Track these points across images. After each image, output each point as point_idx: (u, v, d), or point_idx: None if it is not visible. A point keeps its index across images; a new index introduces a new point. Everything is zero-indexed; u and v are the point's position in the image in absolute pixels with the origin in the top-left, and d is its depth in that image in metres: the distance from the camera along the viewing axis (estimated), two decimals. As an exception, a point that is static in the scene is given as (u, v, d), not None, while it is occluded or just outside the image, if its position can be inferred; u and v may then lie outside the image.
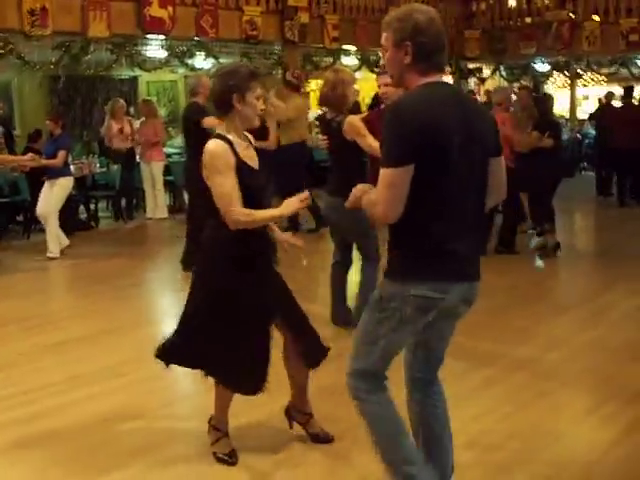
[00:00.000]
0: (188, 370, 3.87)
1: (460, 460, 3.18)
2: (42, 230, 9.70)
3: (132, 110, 13.71)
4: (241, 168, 3.33)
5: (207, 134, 6.52)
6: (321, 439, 3.75)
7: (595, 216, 11.94)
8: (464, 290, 2.79)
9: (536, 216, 8.48)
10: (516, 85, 15.49)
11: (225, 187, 3.27)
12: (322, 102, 5.40)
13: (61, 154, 8.69)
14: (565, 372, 4.72)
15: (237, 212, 3.27)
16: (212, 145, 3.33)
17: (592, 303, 6.34)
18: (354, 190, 2.83)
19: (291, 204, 3.37)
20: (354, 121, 5.02)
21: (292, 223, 9.06)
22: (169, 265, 8.48)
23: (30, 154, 8.39)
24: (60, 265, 8.51)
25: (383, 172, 2.59)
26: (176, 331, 3.59)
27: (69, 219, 9.70)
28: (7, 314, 6.33)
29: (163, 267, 8.59)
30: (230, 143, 3.34)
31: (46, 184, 8.92)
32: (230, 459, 3.58)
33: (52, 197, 8.80)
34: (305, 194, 3.37)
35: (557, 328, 5.65)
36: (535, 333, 5.49)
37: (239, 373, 3.45)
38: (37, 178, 9.81)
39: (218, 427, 3.66)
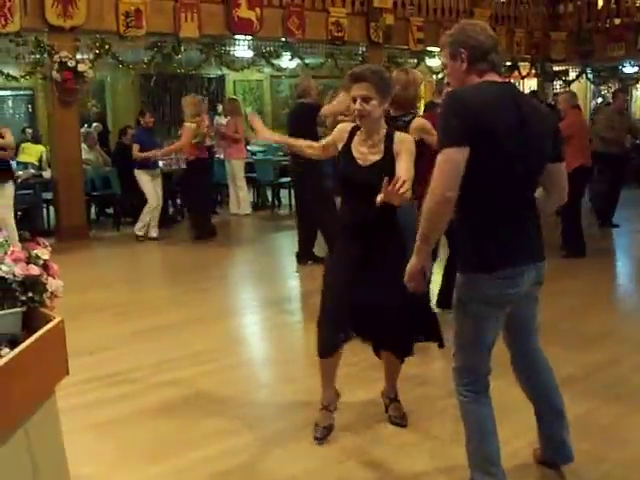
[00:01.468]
0: (269, 360, 4.08)
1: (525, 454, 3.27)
2: (131, 223, 10.19)
3: (219, 108, 14.02)
4: (343, 154, 3.70)
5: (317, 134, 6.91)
6: (397, 422, 3.94)
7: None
8: (532, 275, 2.94)
9: None
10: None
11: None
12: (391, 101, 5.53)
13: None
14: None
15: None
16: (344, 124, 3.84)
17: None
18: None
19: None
20: (424, 121, 5.12)
21: None
22: (248, 260, 8.77)
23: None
24: (150, 256, 8.91)
25: (440, 154, 2.74)
26: None
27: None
28: (100, 301, 6.68)
29: (245, 261, 8.87)
30: (356, 130, 3.71)
31: (149, 176, 9.75)
32: (318, 432, 3.80)
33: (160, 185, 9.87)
34: None
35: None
36: (610, 338, 5.50)
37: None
38: (128, 173, 10.30)
39: (322, 402, 3.89)
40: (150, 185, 9.75)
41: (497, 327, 2.99)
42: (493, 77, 2.88)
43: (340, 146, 3.68)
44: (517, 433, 3.63)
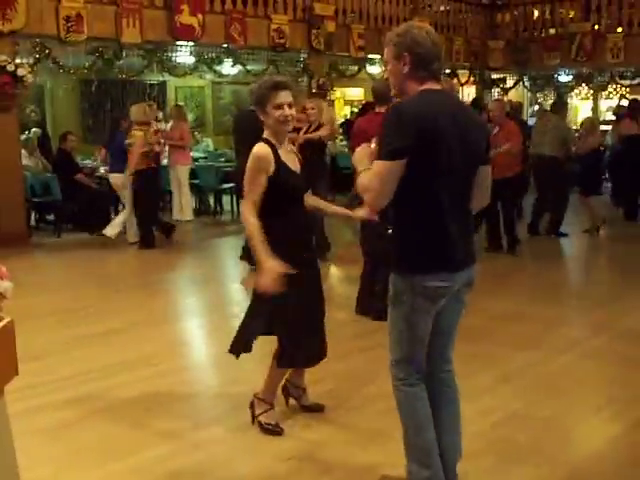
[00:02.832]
0: (215, 363, 4.15)
1: (469, 449, 3.39)
2: (72, 230, 10.11)
3: (160, 114, 13.95)
4: (281, 168, 3.66)
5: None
6: (313, 409, 4.15)
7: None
8: (465, 276, 3.07)
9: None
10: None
11: (255, 182, 3.62)
12: None
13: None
14: (575, 373, 4.92)
15: (247, 210, 3.63)
16: (258, 147, 3.68)
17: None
18: (360, 149, 3.14)
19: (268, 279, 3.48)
20: None
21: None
22: (194, 264, 8.78)
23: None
24: (88, 263, 8.82)
25: (376, 164, 2.87)
26: None
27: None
28: (43, 307, 6.61)
29: (189, 266, 8.88)
30: (272, 145, 3.69)
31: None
32: (276, 428, 3.92)
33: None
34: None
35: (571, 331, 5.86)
36: (548, 335, 5.69)
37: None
38: (68, 179, 10.22)
39: (267, 399, 3.99)
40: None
41: (428, 322, 3.07)
42: (432, 85, 2.99)
43: (272, 168, 3.64)
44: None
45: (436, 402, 3.20)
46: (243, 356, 3.96)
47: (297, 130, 7.63)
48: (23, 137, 10.93)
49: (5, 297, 2.64)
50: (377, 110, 5.99)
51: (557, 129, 9.77)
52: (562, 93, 17.83)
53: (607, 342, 5.53)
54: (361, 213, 3.70)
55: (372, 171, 2.89)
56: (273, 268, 3.45)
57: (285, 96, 3.68)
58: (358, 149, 3.16)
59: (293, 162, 3.80)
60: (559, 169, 9.68)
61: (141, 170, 9.39)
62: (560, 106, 10.67)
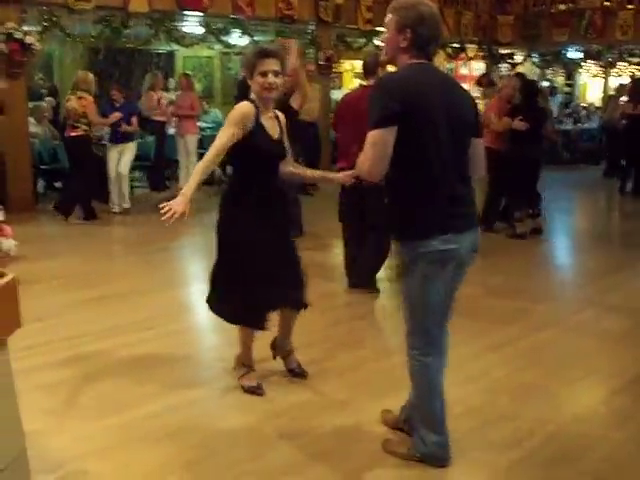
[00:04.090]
0: (212, 326, 4.31)
1: (452, 412, 3.54)
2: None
3: (171, 83, 13.99)
4: (257, 132, 3.76)
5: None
6: (297, 374, 4.28)
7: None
8: (471, 238, 3.13)
9: (512, 201, 8.71)
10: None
11: (227, 132, 3.70)
12: None
13: (134, 119, 9.84)
14: (559, 346, 5.05)
15: (204, 158, 3.70)
16: (242, 103, 3.83)
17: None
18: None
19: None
20: None
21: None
22: (197, 232, 8.90)
23: (116, 113, 9.48)
24: (96, 230, 8.97)
25: (369, 133, 2.95)
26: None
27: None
28: (46, 272, 6.75)
29: (193, 233, 9.00)
30: (257, 108, 3.80)
31: (113, 149, 9.79)
32: (258, 390, 4.08)
33: (127, 159, 9.91)
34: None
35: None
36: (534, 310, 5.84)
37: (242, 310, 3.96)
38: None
39: (245, 363, 4.16)
40: (110, 158, 9.86)
41: (441, 290, 3.12)
42: (421, 60, 3.09)
43: (250, 126, 3.74)
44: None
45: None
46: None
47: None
48: (31, 104, 11.02)
49: (9, 255, 2.79)
50: (366, 84, 6.00)
51: None
52: (570, 70, 17.85)
53: (592, 317, 5.65)
54: (340, 176, 3.88)
55: (366, 142, 2.98)
56: (186, 197, 3.45)
57: (270, 64, 3.78)
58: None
59: (273, 128, 3.90)
60: None
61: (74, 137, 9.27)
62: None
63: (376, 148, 2.93)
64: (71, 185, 9.63)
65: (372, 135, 2.95)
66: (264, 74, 3.76)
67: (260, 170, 3.87)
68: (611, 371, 4.57)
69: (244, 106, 3.78)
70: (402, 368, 3.42)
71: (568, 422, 3.84)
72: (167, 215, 3.39)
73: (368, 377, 4.36)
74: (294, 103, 7.87)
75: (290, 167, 4.06)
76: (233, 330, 4.31)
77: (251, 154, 3.80)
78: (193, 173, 3.66)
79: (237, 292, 3.92)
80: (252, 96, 3.89)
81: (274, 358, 4.37)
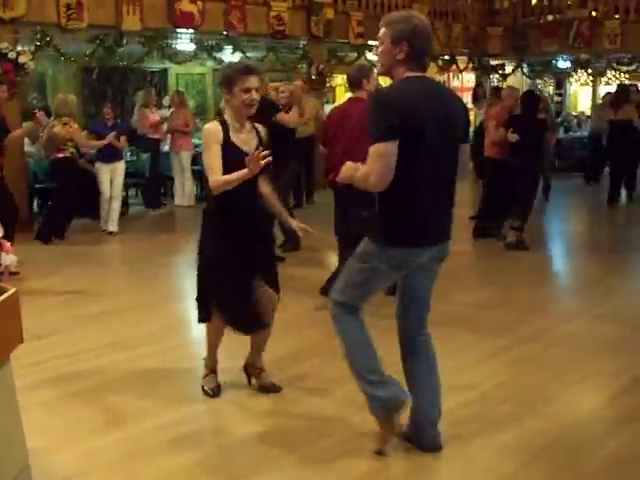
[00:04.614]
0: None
1: (456, 415, 3.56)
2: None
3: (164, 101, 14.02)
4: (228, 148, 3.84)
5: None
6: (270, 389, 4.28)
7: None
8: (435, 251, 3.31)
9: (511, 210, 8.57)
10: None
11: (209, 159, 3.83)
12: None
13: (123, 139, 9.81)
14: (559, 351, 5.08)
15: (212, 179, 3.81)
16: (208, 124, 3.97)
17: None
18: (345, 167, 3.29)
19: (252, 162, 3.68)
20: None
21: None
22: (193, 248, 8.90)
23: (110, 135, 9.45)
24: (93, 248, 8.99)
25: (373, 147, 3.03)
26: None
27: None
28: (46, 289, 6.76)
29: (188, 250, 9.01)
30: (225, 124, 3.88)
31: (104, 167, 9.75)
32: (211, 392, 4.22)
33: (119, 182, 9.90)
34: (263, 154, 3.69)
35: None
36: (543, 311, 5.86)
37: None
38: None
39: (208, 364, 4.33)
40: (103, 179, 9.84)
41: (386, 283, 3.49)
42: (417, 72, 3.18)
43: (221, 142, 3.84)
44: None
45: (415, 363, 3.47)
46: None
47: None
48: (25, 124, 11.02)
49: (11, 271, 2.81)
50: (354, 96, 5.90)
51: None
52: (560, 79, 17.97)
53: (584, 324, 5.66)
54: (295, 223, 4.10)
55: (369, 155, 3.04)
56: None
57: (253, 81, 3.87)
58: (345, 168, 3.29)
59: (247, 142, 3.94)
60: None
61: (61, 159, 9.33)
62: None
63: (382, 160, 3.01)
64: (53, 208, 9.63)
65: (377, 148, 3.01)
66: (247, 90, 3.83)
67: (239, 185, 3.85)
68: (608, 375, 4.59)
69: (211, 125, 3.94)
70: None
71: (569, 426, 3.85)
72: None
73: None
74: (292, 118, 7.94)
75: (264, 188, 4.11)
76: (233, 344, 4.35)
77: (226, 169, 3.82)
78: (227, 181, 3.79)
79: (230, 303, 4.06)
80: (225, 114, 3.96)
81: (249, 382, 4.38)
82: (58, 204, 9.47)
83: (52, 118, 9.30)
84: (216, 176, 3.81)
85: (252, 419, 3.97)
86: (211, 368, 4.33)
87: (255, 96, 3.86)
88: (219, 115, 4.06)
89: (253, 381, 4.37)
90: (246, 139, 3.96)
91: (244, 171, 3.70)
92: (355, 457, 3.52)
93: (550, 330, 5.47)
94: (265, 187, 4.11)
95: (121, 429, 3.84)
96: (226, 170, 3.82)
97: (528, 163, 8.17)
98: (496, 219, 8.75)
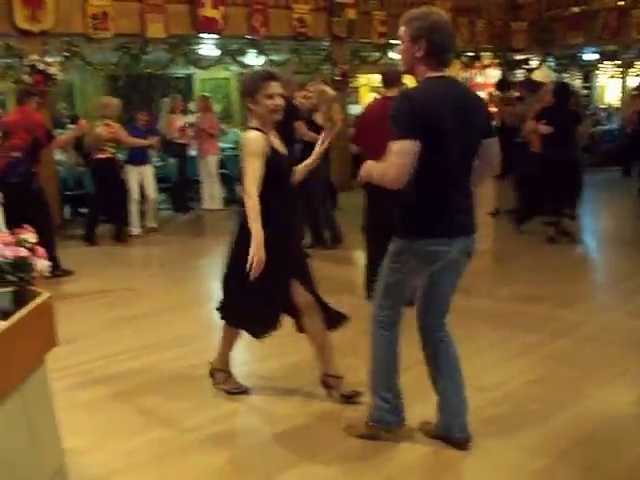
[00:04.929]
0: (242, 341, 4.41)
1: (485, 414, 3.59)
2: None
3: (190, 106, 14.15)
4: (274, 157, 3.89)
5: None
6: (351, 398, 4.12)
7: None
8: (463, 243, 3.32)
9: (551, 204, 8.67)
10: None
11: (249, 170, 3.80)
12: None
13: (159, 142, 10.37)
14: (594, 346, 5.07)
15: (251, 198, 3.75)
16: (252, 134, 3.89)
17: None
18: (365, 166, 3.37)
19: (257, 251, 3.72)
20: None
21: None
22: (222, 251, 9.00)
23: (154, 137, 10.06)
24: (123, 252, 9.14)
25: (395, 144, 3.06)
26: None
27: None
28: (78, 294, 6.95)
29: (217, 253, 9.11)
30: (265, 133, 3.91)
31: (134, 170, 10.07)
32: (241, 388, 4.33)
33: (150, 179, 10.25)
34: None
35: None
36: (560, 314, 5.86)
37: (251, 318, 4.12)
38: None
39: (224, 369, 4.37)
40: (133, 180, 10.07)
41: (419, 279, 3.45)
42: (439, 72, 3.21)
43: (268, 154, 3.85)
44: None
45: (437, 362, 3.52)
46: (273, 334, 4.20)
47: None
48: (56, 133, 11.23)
49: (44, 276, 2.89)
50: (388, 94, 5.97)
51: None
52: (587, 72, 17.79)
53: (618, 319, 5.64)
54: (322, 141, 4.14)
55: (389, 152, 3.08)
56: (260, 242, 3.72)
57: (276, 87, 3.90)
58: (366, 166, 3.36)
59: (280, 145, 4.03)
60: None
61: (90, 161, 9.72)
62: None
63: (401, 158, 3.05)
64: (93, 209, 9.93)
65: (397, 145, 3.06)
66: (271, 96, 3.86)
67: (279, 186, 3.94)
68: (638, 374, 4.57)
69: (258, 138, 3.84)
70: (425, 379, 3.58)
71: (598, 425, 3.85)
72: (255, 268, 3.69)
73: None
74: (319, 119, 8.03)
75: (298, 171, 4.20)
76: (263, 346, 4.40)
77: (272, 176, 3.85)
78: (253, 220, 3.75)
79: (253, 300, 4.02)
80: (253, 123, 3.95)
81: (329, 395, 4.23)
82: (98, 204, 9.77)
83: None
84: (254, 191, 3.75)
85: (279, 420, 4.03)
86: (228, 371, 4.43)
87: (279, 102, 3.89)
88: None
89: (333, 393, 4.20)
90: (278, 142, 4.02)
91: (260, 241, 3.71)
92: (383, 455, 3.56)
93: (579, 326, 5.45)
94: (298, 170, 4.19)
95: (155, 430, 3.93)
96: (274, 177, 3.84)
97: (558, 154, 8.14)
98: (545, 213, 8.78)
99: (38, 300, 2.65)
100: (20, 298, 2.68)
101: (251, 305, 4.04)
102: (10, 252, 2.70)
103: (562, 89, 8.67)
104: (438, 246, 3.25)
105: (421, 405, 3.79)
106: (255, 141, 3.84)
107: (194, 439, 3.81)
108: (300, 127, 7.80)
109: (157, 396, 4.40)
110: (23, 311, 2.51)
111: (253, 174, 3.77)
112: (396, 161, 3.06)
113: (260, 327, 4.15)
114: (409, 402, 3.70)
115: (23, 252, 2.76)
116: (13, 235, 2.84)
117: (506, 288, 6.56)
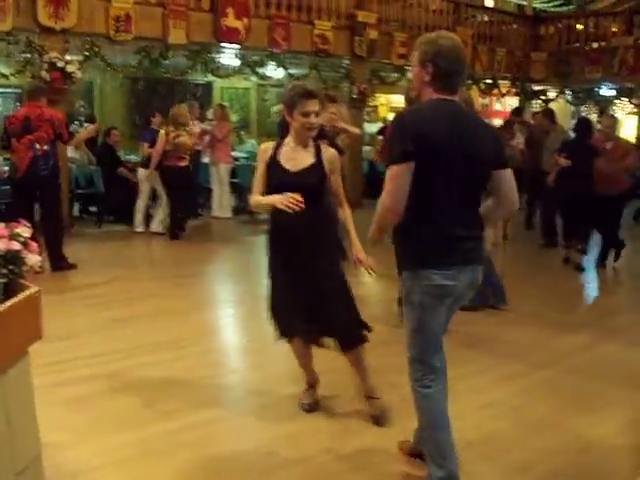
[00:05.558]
0: (236, 348, 4.44)
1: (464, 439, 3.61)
2: (113, 221, 10.60)
3: (208, 114, 14.27)
4: (272, 165, 3.94)
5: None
6: (378, 420, 4.10)
7: None
8: (470, 275, 3.20)
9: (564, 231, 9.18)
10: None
11: (257, 172, 4.03)
12: None
13: None
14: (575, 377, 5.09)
15: (252, 197, 4.02)
16: (265, 143, 4.11)
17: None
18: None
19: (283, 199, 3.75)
20: None
21: None
22: (228, 259, 9.10)
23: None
24: (129, 253, 9.22)
25: (388, 170, 3.05)
26: None
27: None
28: (79, 291, 7.04)
29: (221, 261, 9.19)
30: (279, 143, 3.98)
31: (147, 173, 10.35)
32: (308, 407, 4.27)
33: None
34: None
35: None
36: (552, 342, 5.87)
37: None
38: (110, 172, 10.68)
39: (306, 380, 4.36)
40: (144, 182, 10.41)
41: (439, 319, 3.22)
42: (445, 96, 3.15)
43: (267, 161, 3.96)
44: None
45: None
46: (269, 343, 4.23)
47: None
48: (87, 126, 11.36)
49: (36, 271, 2.95)
50: None
51: None
52: (604, 107, 17.81)
53: (616, 349, 5.68)
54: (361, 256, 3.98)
55: (387, 177, 3.06)
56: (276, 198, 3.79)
57: (313, 104, 3.90)
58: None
59: (297, 161, 3.95)
60: None
61: (167, 167, 10.02)
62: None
63: (396, 181, 3.02)
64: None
65: (392, 169, 3.03)
66: (306, 114, 3.88)
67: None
68: (628, 404, 4.60)
69: (263, 147, 4.08)
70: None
71: (577, 453, 3.87)
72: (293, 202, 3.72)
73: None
74: (340, 142, 8.04)
75: (341, 213, 4.12)
76: (258, 353, 4.44)
77: (270, 187, 3.95)
78: (260, 204, 4.00)
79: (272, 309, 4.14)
80: (290, 134, 4.01)
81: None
82: (178, 206, 10.23)
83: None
84: (255, 194, 3.99)
85: (266, 428, 4.07)
86: (308, 383, 4.37)
87: (314, 120, 3.91)
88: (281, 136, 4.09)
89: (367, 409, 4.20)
90: (300, 159, 3.96)
91: (273, 198, 3.80)
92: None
93: (565, 358, 5.47)
94: (342, 212, 4.13)
95: (135, 430, 3.97)
96: (271, 187, 3.93)
97: (571, 187, 8.43)
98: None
99: (26, 292, 2.70)
100: (9, 291, 2.73)
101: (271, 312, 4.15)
102: (2, 245, 2.75)
103: (583, 124, 8.84)
104: (444, 279, 3.11)
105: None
106: (260, 149, 4.07)
107: (175, 441, 3.85)
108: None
109: (141, 397, 4.44)
110: (8, 303, 2.56)
111: (255, 180, 4.02)
112: (389, 187, 3.03)
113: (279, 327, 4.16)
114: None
115: (16, 246, 2.81)
116: (7, 228, 2.89)
117: (496, 314, 6.56)
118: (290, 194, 3.72)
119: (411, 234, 3.17)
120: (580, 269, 8.67)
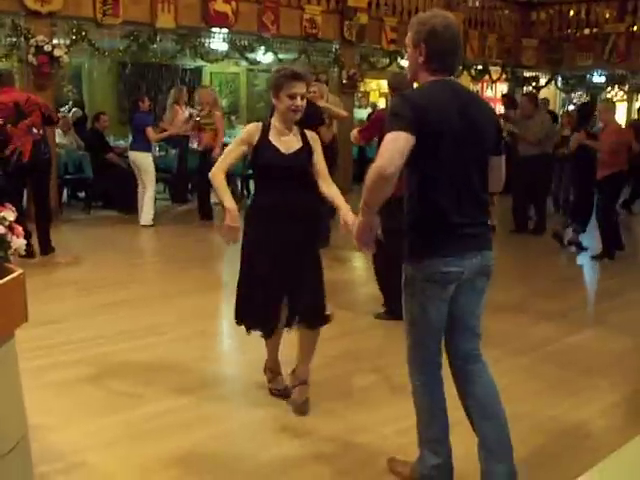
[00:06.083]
0: (221, 333, 4.42)
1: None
2: (100, 207, 10.56)
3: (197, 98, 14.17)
4: (263, 146, 3.90)
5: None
6: (298, 409, 4.08)
7: None
8: (476, 262, 3.06)
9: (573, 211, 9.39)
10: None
11: (228, 149, 4.01)
12: None
13: None
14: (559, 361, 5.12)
15: (215, 171, 3.91)
16: (251, 123, 4.07)
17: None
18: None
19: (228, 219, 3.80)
20: None
21: None
22: (215, 244, 9.07)
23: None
24: (119, 239, 9.19)
25: (389, 134, 2.84)
26: None
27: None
28: (66, 277, 7.04)
29: (211, 246, 9.17)
30: (267, 126, 3.96)
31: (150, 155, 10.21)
32: (283, 392, 4.23)
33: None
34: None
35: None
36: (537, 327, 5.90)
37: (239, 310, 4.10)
38: (99, 157, 10.63)
39: (270, 368, 4.32)
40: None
41: (440, 308, 3.08)
42: (441, 77, 3.04)
43: (255, 142, 3.91)
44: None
45: (466, 393, 3.23)
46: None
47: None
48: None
49: (20, 254, 2.93)
50: None
51: None
52: (595, 94, 17.84)
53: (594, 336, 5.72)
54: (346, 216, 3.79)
55: (384, 142, 2.85)
56: (232, 208, 3.79)
57: (299, 87, 3.88)
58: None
59: (288, 145, 3.94)
60: None
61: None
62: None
63: (391, 145, 2.80)
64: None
65: (388, 135, 2.84)
66: (292, 96, 3.86)
67: (266, 180, 3.97)
68: (612, 385, 4.63)
69: (251, 126, 4.02)
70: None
71: (558, 435, 3.90)
72: (229, 237, 3.84)
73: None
74: (324, 137, 7.98)
75: (324, 188, 4.01)
76: (242, 338, 4.42)
77: (259, 167, 3.96)
78: (218, 189, 3.90)
79: (239, 294, 4.07)
80: (274, 117, 3.99)
81: (292, 387, 4.21)
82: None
83: None
84: (218, 169, 3.91)
85: (250, 411, 4.09)
86: (271, 369, 4.34)
87: (300, 102, 3.88)
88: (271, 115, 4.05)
89: (293, 395, 4.16)
90: (288, 142, 3.96)
91: (228, 205, 3.79)
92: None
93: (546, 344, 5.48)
94: (323, 186, 4.02)
95: (121, 413, 3.98)
96: (261, 168, 3.94)
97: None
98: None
99: (11, 275, 2.69)
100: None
101: (238, 297, 4.10)
102: (-14, 228, 2.74)
103: (582, 110, 8.98)
104: (447, 266, 2.98)
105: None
106: (246, 129, 4.02)
107: (161, 423, 3.86)
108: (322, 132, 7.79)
109: (126, 381, 4.45)
110: (-6, 285, 2.56)
111: (225, 154, 3.98)
112: (382, 150, 2.83)
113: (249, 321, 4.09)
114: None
115: (1, 229, 2.79)
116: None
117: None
118: (231, 224, 3.79)
119: (415, 224, 3.06)
120: (581, 247, 9.03)
